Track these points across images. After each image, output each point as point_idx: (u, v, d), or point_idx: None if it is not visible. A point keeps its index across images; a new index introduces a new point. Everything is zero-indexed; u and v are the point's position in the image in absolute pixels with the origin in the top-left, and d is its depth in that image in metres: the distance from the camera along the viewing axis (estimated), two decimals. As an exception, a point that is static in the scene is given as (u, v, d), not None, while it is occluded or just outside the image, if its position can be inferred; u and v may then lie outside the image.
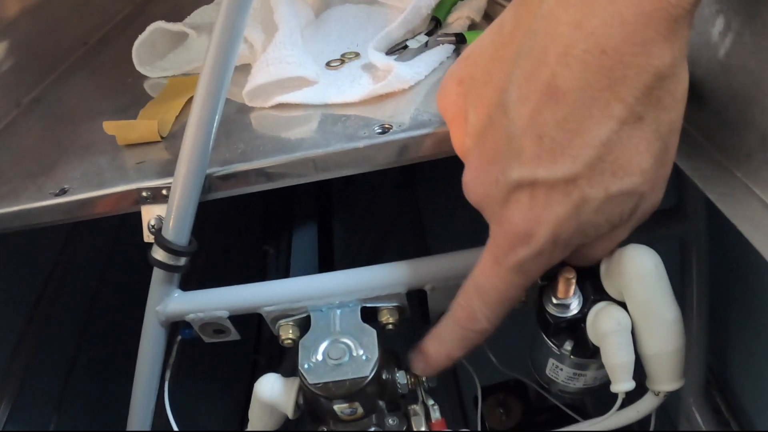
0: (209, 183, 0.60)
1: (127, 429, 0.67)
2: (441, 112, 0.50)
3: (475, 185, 0.46)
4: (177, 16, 0.98)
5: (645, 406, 0.61)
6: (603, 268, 0.57)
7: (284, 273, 1.23)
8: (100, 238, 1.07)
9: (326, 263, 1.19)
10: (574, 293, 0.58)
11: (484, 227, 0.49)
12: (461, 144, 0.49)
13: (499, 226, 0.45)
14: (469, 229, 0.64)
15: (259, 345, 1.33)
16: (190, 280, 0.66)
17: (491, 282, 0.48)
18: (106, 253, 1.09)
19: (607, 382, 0.58)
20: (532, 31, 0.40)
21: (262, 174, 0.60)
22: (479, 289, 0.50)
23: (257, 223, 1.19)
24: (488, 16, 0.78)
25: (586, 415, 0.71)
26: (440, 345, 0.56)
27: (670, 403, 0.68)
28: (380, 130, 0.59)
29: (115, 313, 1.05)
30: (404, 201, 1.49)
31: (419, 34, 0.74)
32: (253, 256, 1.12)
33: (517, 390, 0.95)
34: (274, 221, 1.13)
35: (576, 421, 0.69)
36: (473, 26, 0.77)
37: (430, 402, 0.63)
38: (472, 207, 0.49)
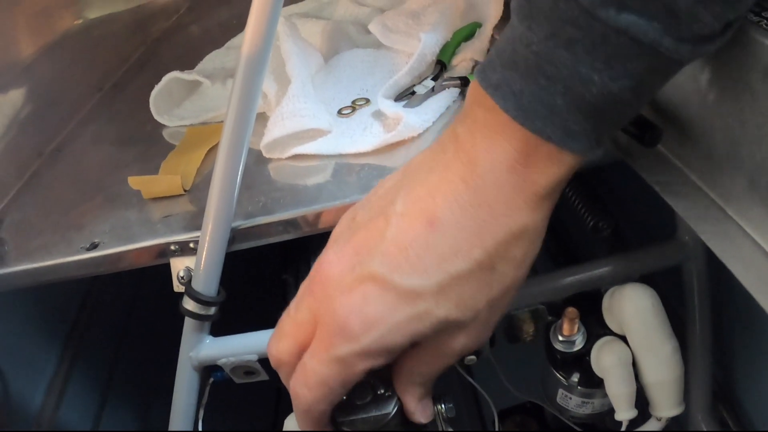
0: (234, 235, 0.63)
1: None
2: (340, 220, 0.52)
3: (334, 264, 0.47)
4: (188, 58, 1.01)
5: (649, 430, 0.64)
6: (605, 304, 0.60)
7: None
8: (124, 282, 1.09)
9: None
10: (579, 330, 0.61)
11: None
12: (338, 232, 0.51)
13: (337, 313, 0.46)
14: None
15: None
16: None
17: (314, 364, 0.48)
18: (130, 296, 1.11)
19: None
20: (429, 168, 0.47)
21: (284, 226, 0.64)
22: (303, 367, 0.49)
23: (276, 253, 1.21)
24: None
25: (604, 433, 0.73)
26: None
27: (679, 420, 0.70)
28: (393, 181, 0.63)
29: (143, 353, 1.07)
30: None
31: (425, 78, 0.77)
32: (273, 285, 1.14)
33: (534, 411, 0.97)
34: (292, 250, 1.15)
35: (590, 442, 0.72)
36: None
37: (450, 430, 0.65)
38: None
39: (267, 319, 0.65)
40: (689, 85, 0.52)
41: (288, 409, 0.67)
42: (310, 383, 0.48)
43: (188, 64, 0.96)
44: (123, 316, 1.09)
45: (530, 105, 0.42)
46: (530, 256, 0.47)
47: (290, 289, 1.12)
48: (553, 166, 0.44)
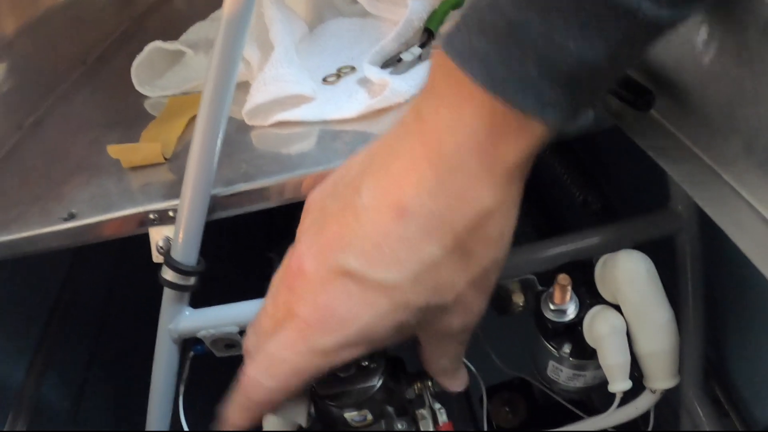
0: (214, 203, 0.61)
1: (144, 444, 0.68)
2: (307, 204, 0.53)
3: (307, 258, 0.47)
4: (173, 31, 0.99)
5: (643, 403, 0.63)
6: (597, 273, 0.58)
7: (289, 280, 1.20)
8: (106, 256, 1.08)
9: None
10: (571, 298, 0.60)
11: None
12: (309, 221, 0.51)
13: (316, 306, 0.47)
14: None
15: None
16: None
17: (287, 354, 0.48)
18: (112, 270, 1.10)
19: (607, 380, 0.61)
20: (394, 153, 0.46)
21: (266, 193, 0.62)
22: (271, 357, 0.49)
23: (260, 231, 1.20)
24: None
25: (592, 410, 0.73)
26: (227, 410, 0.53)
27: (671, 396, 0.69)
28: (378, 146, 0.61)
29: (125, 329, 1.06)
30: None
31: (413, 46, 0.75)
32: (257, 263, 1.13)
33: (522, 388, 0.97)
34: (277, 228, 1.14)
35: (580, 418, 0.71)
36: (464, 36, 0.78)
37: (437, 406, 0.64)
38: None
39: (248, 294, 0.64)
40: (683, 46, 0.50)
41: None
42: (277, 373, 0.49)
43: (173, 37, 0.94)
44: (105, 292, 1.08)
45: (501, 72, 0.40)
46: (507, 233, 0.47)
47: (275, 266, 1.11)
48: (523, 139, 0.43)
